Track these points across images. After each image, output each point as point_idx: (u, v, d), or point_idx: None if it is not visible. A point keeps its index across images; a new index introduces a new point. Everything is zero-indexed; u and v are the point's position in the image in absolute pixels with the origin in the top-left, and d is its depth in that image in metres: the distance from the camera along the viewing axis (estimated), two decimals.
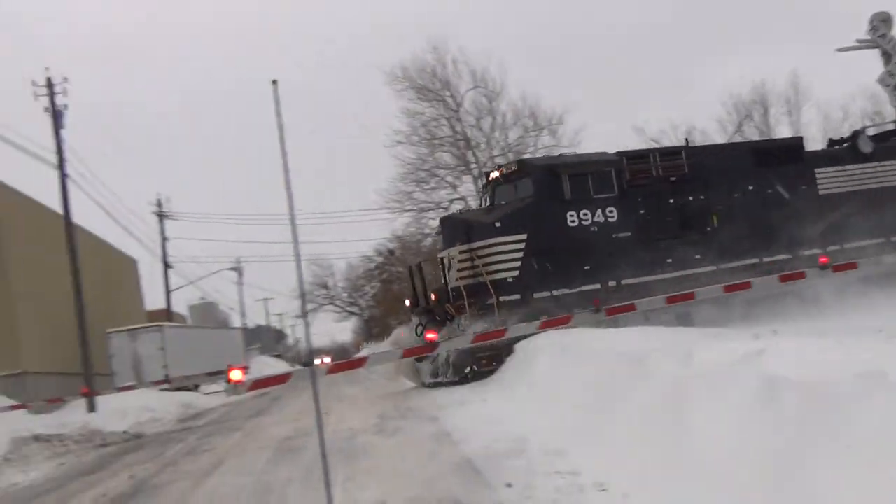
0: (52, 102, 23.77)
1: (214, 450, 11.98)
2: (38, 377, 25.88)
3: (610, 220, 17.30)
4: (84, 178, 50.93)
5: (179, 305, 53.81)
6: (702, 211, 18.07)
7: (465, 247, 16.67)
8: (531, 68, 77.51)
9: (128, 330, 31.43)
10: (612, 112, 66.49)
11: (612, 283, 16.84)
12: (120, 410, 20.06)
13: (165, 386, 25.92)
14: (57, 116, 23.84)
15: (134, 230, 79.48)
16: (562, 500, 5.87)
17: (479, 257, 16.45)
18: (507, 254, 16.60)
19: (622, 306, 14.49)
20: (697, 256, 17.48)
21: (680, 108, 77.33)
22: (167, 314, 42.47)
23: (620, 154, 18.42)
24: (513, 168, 18.38)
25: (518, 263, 16.59)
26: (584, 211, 17.13)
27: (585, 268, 16.83)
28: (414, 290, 18.49)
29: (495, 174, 18.54)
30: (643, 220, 17.55)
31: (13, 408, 20.00)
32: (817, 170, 19.06)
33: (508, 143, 36.95)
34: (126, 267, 43.71)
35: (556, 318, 14.24)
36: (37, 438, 15.67)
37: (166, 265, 43.12)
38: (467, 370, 15.80)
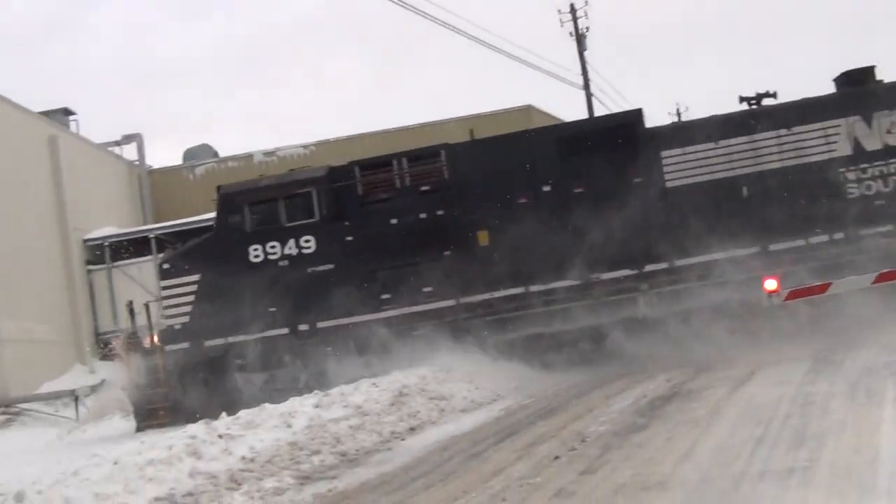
0: (576, 27, 30.16)
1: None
2: None
3: (305, 251, 15.04)
4: (606, 95, 56.46)
5: None
6: (461, 228, 14.94)
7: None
8: None
9: None
10: None
11: (303, 328, 14.96)
12: None
13: None
14: (580, 40, 29.93)
15: None
16: None
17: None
18: (177, 297, 15.33)
19: None
20: (428, 289, 14.76)
21: None
22: None
23: (344, 166, 15.63)
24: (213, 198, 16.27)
25: (188, 308, 15.25)
26: (272, 243, 15.06)
27: (270, 310, 14.92)
28: None
29: None
30: (355, 248, 15.02)
31: None
32: (664, 153, 14.71)
33: None
34: None
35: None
36: None
37: None
38: None
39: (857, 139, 14.31)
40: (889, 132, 14.26)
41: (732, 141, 14.50)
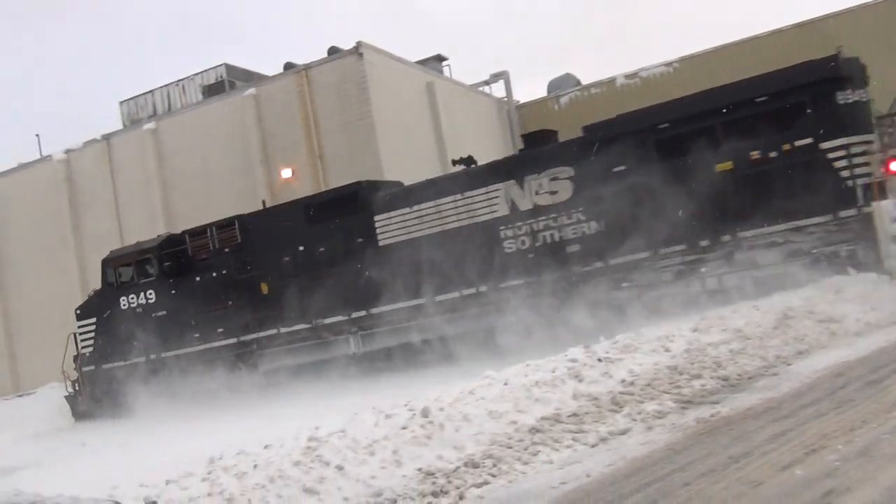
0: None
1: None
2: None
3: (150, 301, 19.89)
4: None
5: None
6: (249, 281, 18.66)
7: None
8: None
9: None
10: None
11: (153, 357, 19.77)
12: None
13: None
14: None
15: None
16: None
17: None
18: (86, 334, 21.22)
19: None
20: (220, 330, 18.92)
21: None
22: None
23: (179, 234, 20.46)
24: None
25: (92, 342, 21.08)
26: (132, 295, 20.12)
27: (134, 343, 19.84)
28: None
29: None
30: (180, 298, 19.47)
31: None
32: (377, 217, 17.24)
33: None
34: None
35: None
36: None
37: None
38: None
39: (513, 200, 15.88)
40: (537, 193, 15.63)
41: (423, 205, 16.72)
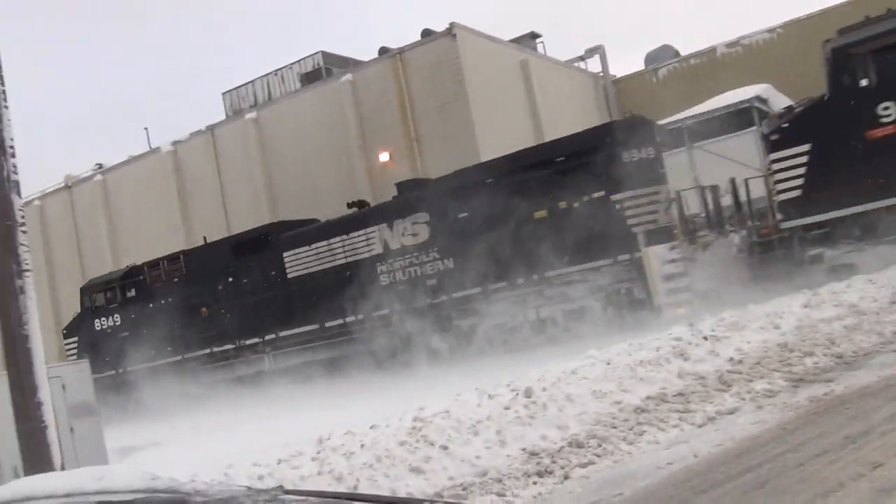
0: None
1: None
2: None
3: (117, 323, 23.10)
4: None
5: None
6: (191, 306, 21.48)
7: None
8: None
9: None
10: None
11: (120, 370, 22.70)
12: None
13: None
14: None
15: None
16: None
17: None
18: (71, 350, 24.17)
19: None
20: (169, 348, 21.76)
21: None
22: None
23: (140, 265, 23.25)
24: None
25: (76, 357, 23.08)
26: (104, 317, 23.32)
27: (106, 359, 22.70)
28: None
29: None
30: (138, 321, 22.38)
31: None
32: (285, 254, 19.79)
33: None
34: None
35: None
36: None
37: None
38: None
39: (386, 240, 18.19)
40: (405, 234, 17.89)
41: (320, 244, 19.31)
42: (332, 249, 19.08)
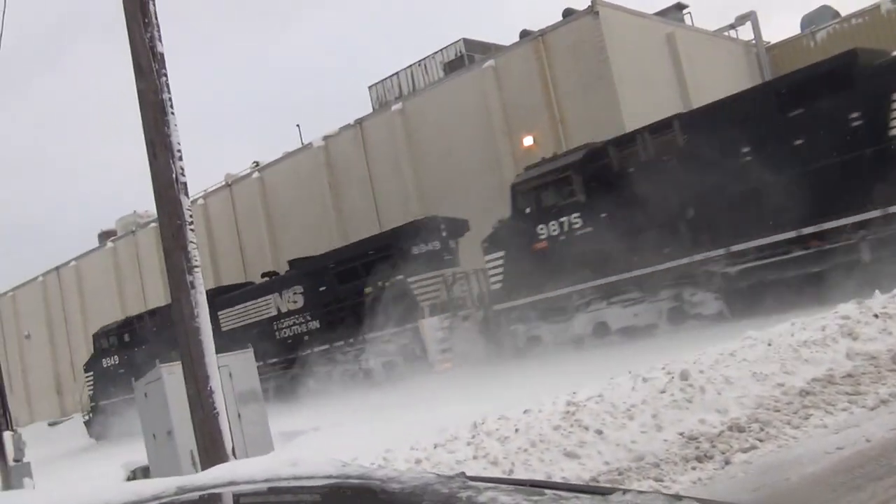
0: None
1: None
2: None
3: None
4: None
5: None
6: None
7: None
8: None
9: None
10: None
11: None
12: None
13: None
14: None
15: None
16: None
17: None
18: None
19: None
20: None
21: None
22: None
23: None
24: None
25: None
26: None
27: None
28: None
29: None
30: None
31: None
32: (219, 312, 24.38)
33: None
34: None
35: None
36: None
37: None
38: None
39: (278, 305, 24.07)
40: (289, 301, 23.77)
41: (239, 306, 25.27)
42: (247, 310, 25.11)
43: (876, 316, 8.98)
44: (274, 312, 24.00)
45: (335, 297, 22.34)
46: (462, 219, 21.83)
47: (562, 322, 17.54)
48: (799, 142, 13.80)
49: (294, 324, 23.61)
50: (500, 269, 18.60)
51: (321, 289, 22.77)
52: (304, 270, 23.67)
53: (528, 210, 18.18)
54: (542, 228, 17.71)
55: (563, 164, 17.82)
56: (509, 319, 18.51)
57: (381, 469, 2.69)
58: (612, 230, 15.91)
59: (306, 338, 23.11)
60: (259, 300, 24.64)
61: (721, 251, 14.72)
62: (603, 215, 16.43)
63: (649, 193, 15.04)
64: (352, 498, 2.41)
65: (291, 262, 25.06)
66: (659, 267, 15.61)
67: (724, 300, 14.96)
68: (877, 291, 10.27)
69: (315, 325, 22.98)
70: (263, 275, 26.24)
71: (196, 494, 2.54)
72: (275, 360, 23.30)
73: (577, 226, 17.07)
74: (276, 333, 23.82)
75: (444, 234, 21.10)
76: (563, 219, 17.30)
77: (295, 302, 23.53)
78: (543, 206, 17.82)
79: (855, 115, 13.34)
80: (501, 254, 18.58)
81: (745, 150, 14.50)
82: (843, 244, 13.18)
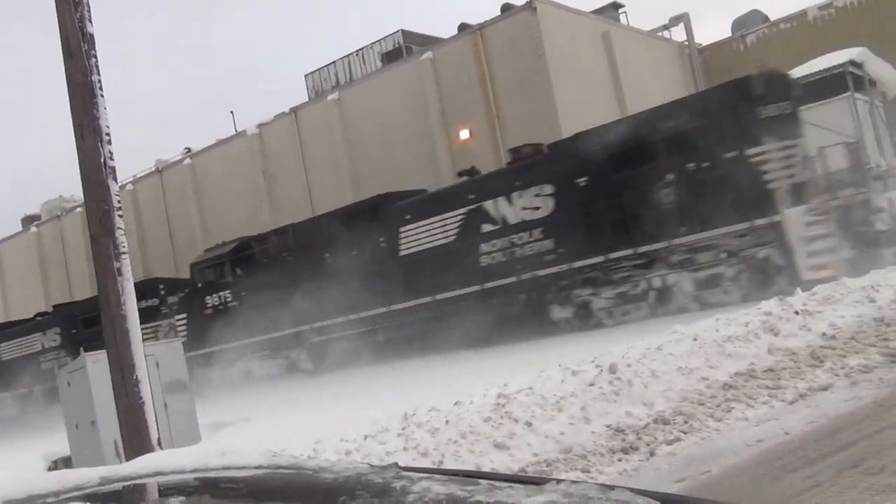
0: None
1: None
2: None
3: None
4: None
5: None
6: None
7: None
8: None
9: None
10: None
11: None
12: None
13: None
14: None
15: None
16: None
17: None
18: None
19: None
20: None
21: None
22: None
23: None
24: None
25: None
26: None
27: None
28: None
29: None
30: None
31: None
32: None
33: None
34: None
35: None
36: None
37: None
38: None
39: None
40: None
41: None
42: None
43: (797, 312, 9.27)
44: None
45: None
46: (184, 278, 26.35)
47: (225, 369, 23.31)
48: (354, 252, 19.67)
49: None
50: (185, 326, 24.45)
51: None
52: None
53: (199, 284, 24.40)
54: (208, 299, 23.99)
55: (218, 253, 24.24)
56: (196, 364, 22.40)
57: (312, 459, 2.67)
58: (250, 305, 22.03)
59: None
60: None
61: (309, 326, 21.40)
62: (243, 293, 22.81)
63: (273, 279, 21.38)
64: (283, 488, 2.39)
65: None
66: (278, 334, 22.10)
67: (311, 358, 21.65)
68: (798, 290, 10.61)
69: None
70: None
71: (120, 485, 2.49)
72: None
73: (228, 300, 23.44)
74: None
75: (162, 292, 26.07)
76: (220, 293, 23.65)
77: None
78: (209, 283, 24.09)
79: (381, 238, 19.88)
80: (185, 315, 24.77)
81: (326, 254, 20.48)
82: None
